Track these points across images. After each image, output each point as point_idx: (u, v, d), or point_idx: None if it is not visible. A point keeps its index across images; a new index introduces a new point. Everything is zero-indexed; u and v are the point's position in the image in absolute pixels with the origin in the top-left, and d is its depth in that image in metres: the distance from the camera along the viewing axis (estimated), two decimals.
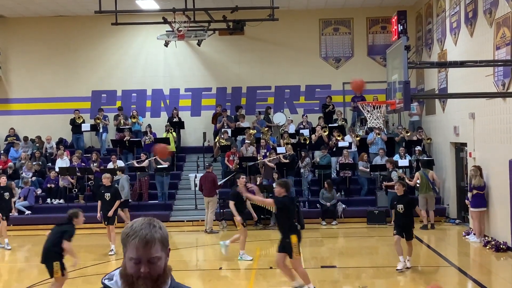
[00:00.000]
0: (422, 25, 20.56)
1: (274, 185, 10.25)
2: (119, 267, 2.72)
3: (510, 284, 11.01)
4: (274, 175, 17.83)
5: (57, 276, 9.21)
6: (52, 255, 9.21)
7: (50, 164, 20.61)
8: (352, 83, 11.15)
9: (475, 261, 13.08)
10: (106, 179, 14.02)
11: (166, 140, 20.25)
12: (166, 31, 19.84)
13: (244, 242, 13.00)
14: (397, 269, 11.30)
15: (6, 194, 14.79)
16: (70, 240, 9.19)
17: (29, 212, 18.42)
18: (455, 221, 17.15)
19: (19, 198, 18.63)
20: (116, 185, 15.99)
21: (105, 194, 13.88)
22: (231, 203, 13.12)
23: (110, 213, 13.74)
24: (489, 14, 13.89)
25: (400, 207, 11.29)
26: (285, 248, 9.47)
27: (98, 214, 14.12)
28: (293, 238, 9.43)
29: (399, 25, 10.00)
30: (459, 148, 17.19)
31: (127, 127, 21.17)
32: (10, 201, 15.18)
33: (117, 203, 13.89)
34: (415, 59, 19.80)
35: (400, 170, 18.02)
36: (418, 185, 16.98)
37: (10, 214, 15.52)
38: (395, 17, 10.21)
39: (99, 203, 14.13)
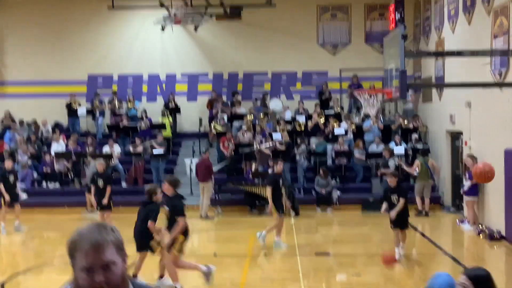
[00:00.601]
0: (421, 12, 20.47)
1: (163, 181, 9.87)
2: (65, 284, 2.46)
3: (502, 273, 11.08)
4: (270, 162, 17.82)
5: (160, 251, 9.34)
6: (145, 235, 9.34)
7: (45, 148, 20.56)
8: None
9: (469, 249, 13.17)
10: (100, 165, 13.94)
11: (162, 126, 20.26)
12: (163, 15, 19.73)
13: (280, 229, 12.72)
14: None
15: (12, 177, 14.80)
16: (155, 220, 9.28)
17: (26, 196, 18.38)
18: (449, 209, 17.22)
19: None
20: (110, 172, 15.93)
21: (98, 180, 13.73)
22: (269, 189, 12.52)
23: (105, 201, 13.61)
24: (487, 3, 13.84)
25: (394, 197, 11.16)
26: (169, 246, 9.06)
27: (90, 201, 13.95)
28: (180, 237, 9.09)
29: (396, 13, 9.97)
30: (455, 136, 17.21)
31: (123, 111, 21.13)
32: (16, 184, 15.11)
33: (109, 189, 13.70)
34: (413, 47, 19.82)
35: (396, 159, 18.03)
36: (416, 173, 17.01)
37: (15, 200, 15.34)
38: (393, 6, 10.17)
39: (92, 189, 13.99)
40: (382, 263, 9.98)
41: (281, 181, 12.63)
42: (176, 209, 9.10)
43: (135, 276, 9.43)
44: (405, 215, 11.34)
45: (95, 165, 17.09)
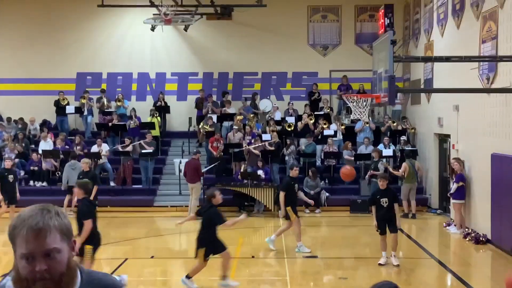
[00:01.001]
0: (410, 15, 20.56)
1: (75, 185, 9.78)
2: (9, 272, 2.24)
3: (488, 276, 11.18)
4: (259, 163, 17.85)
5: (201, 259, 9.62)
6: (216, 239, 9.77)
7: (33, 146, 20.44)
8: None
9: (455, 253, 13.24)
10: (85, 164, 13.84)
11: (151, 125, 20.20)
12: (153, 14, 19.66)
13: (299, 233, 12.51)
14: (379, 263, 11.17)
15: (11, 177, 14.73)
16: (223, 222, 9.72)
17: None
18: (436, 211, 17.34)
19: None
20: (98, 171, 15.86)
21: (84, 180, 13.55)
22: (282, 194, 12.30)
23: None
24: (476, 7, 13.92)
25: (384, 200, 11.00)
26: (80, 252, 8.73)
27: (74, 200, 13.68)
28: (87, 247, 8.80)
29: (386, 18, 10.00)
30: (443, 139, 17.31)
31: (112, 110, 21.07)
32: (15, 184, 15.00)
33: (95, 189, 13.60)
34: (402, 49, 19.89)
35: (385, 160, 18.12)
36: (403, 175, 17.10)
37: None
38: (382, 11, 10.20)
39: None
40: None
41: (296, 185, 12.51)
42: (81, 212, 8.91)
43: (224, 277, 9.73)
44: (393, 218, 11.12)
45: (70, 166, 17.06)
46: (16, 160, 19.20)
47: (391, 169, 17.40)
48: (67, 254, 2.19)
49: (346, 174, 15.59)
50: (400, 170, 17.06)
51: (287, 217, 12.34)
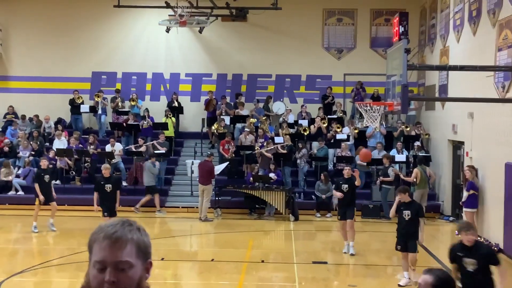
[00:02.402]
0: (426, 20, 20.44)
1: None
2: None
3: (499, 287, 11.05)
4: (271, 166, 17.85)
5: None
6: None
7: (47, 144, 20.60)
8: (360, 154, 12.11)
9: None
10: (106, 170, 13.51)
11: (164, 125, 20.27)
12: (169, 15, 19.74)
13: (345, 234, 12.90)
14: (399, 285, 10.53)
15: (47, 177, 14.85)
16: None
17: (22, 192, 18.41)
18: (449, 218, 17.23)
19: (19, 177, 18.75)
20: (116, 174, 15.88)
21: (106, 185, 13.33)
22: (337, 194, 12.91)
23: (118, 206, 13.46)
24: (493, 15, 13.81)
25: (407, 213, 10.19)
26: None
27: (95, 206, 13.46)
28: None
29: (400, 26, 9.95)
30: (457, 146, 17.19)
31: (125, 109, 21.17)
32: (50, 184, 15.09)
33: (118, 194, 13.51)
34: (418, 54, 19.79)
35: (397, 166, 18.04)
36: (415, 181, 17.02)
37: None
38: (397, 18, 10.15)
39: (95, 195, 13.48)
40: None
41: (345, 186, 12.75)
42: None
43: None
44: (414, 236, 10.21)
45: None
46: (31, 158, 19.40)
47: (402, 176, 17.32)
48: (140, 272, 2.08)
49: (363, 155, 15.26)
50: (411, 176, 16.98)
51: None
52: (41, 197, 14.49)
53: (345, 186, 12.35)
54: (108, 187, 13.28)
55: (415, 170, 16.98)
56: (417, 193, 16.73)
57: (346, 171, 13.05)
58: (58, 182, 18.91)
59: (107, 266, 2.03)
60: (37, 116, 21.50)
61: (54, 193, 15.07)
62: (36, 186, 14.64)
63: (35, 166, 19.48)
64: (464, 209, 14.45)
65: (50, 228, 14.80)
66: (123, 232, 2.07)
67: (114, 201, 13.35)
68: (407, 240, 10.21)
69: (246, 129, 19.69)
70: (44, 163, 15.06)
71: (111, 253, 2.03)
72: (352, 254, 12.49)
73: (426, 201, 16.77)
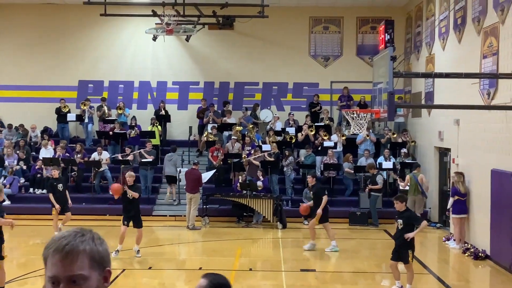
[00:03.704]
0: (412, 27, 20.60)
1: None
2: None
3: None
4: (258, 173, 17.83)
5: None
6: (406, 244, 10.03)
7: (34, 153, 20.46)
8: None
9: (454, 268, 13.20)
10: (130, 177, 12.96)
11: (151, 133, 20.21)
12: (156, 24, 19.71)
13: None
14: None
15: (60, 186, 14.87)
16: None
17: (8, 202, 18.24)
18: (436, 225, 17.30)
19: (5, 186, 18.57)
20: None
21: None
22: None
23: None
24: (477, 22, 13.94)
25: (400, 222, 10.15)
26: None
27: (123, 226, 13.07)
28: None
29: (386, 34, 10.01)
30: (443, 152, 17.29)
31: (112, 118, 21.09)
32: (65, 192, 15.05)
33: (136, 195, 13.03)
34: (404, 62, 19.90)
35: (384, 173, 18.12)
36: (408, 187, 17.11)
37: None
38: (383, 26, 10.21)
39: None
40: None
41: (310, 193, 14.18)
42: None
43: None
44: (406, 246, 10.07)
45: (167, 158, 18.72)
46: (18, 167, 19.26)
47: (399, 181, 17.38)
48: (95, 283, 2.01)
49: (302, 210, 15.03)
50: (404, 182, 17.08)
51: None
52: (57, 206, 14.66)
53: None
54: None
55: (407, 176, 17.08)
56: (408, 200, 16.79)
57: (310, 179, 14.33)
58: (44, 191, 18.78)
59: (60, 281, 1.97)
60: (22, 125, 21.35)
61: (70, 201, 15.14)
62: (50, 196, 14.78)
63: (21, 175, 19.37)
64: (452, 216, 14.51)
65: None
66: (74, 244, 2.00)
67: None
68: (399, 249, 10.13)
69: (233, 137, 19.69)
70: (55, 173, 15.14)
71: (63, 267, 1.97)
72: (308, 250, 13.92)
73: (420, 208, 16.77)
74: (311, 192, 14.29)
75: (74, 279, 1.97)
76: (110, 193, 12.41)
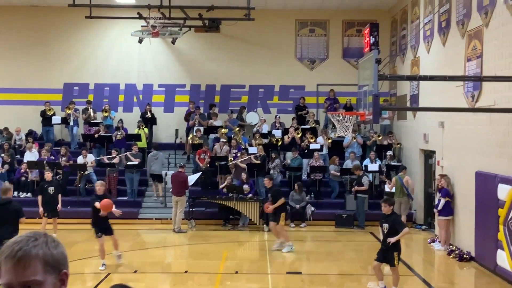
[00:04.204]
0: (397, 31, 20.71)
1: None
2: None
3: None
4: (243, 176, 17.80)
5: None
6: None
7: (18, 156, 20.29)
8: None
9: (439, 270, 13.26)
10: (100, 186, 12.64)
11: (137, 136, 20.14)
12: (141, 26, 19.63)
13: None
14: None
15: (51, 189, 14.79)
16: None
17: None
18: (421, 226, 17.38)
19: None
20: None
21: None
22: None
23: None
24: (462, 26, 14.04)
25: (385, 226, 10.09)
26: None
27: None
28: None
29: (371, 37, 10.04)
30: (428, 155, 17.39)
31: (98, 121, 20.99)
32: (56, 196, 14.92)
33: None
34: (389, 65, 20.03)
35: (370, 175, 18.18)
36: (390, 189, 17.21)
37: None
38: (368, 29, 10.25)
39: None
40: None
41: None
42: None
43: None
44: (392, 249, 10.01)
45: (153, 156, 18.84)
46: (2, 170, 19.07)
47: (387, 184, 17.44)
48: (51, 287, 1.99)
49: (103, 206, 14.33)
50: (390, 184, 17.16)
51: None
52: (40, 209, 14.65)
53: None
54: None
55: (393, 178, 17.17)
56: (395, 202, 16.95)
57: (266, 181, 14.88)
58: (29, 195, 18.65)
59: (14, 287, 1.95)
60: (6, 128, 21.16)
61: (59, 206, 14.99)
62: (39, 198, 14.80)
63: (6, 178, 19.17)
64: (439, 217, 14.56)
65: None
66: (27, 250, 1.96)
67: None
68: (386, 251, 10.10)
69: (222, 140, 19.67)
70: (48, 175, 15.11)
71: (16, 274, 1.94)
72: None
73: (406, 210, 16.88)
74: (269, 194, 14.64)
75: (29, 285, 1.95)
76: (98, 206, 11.99)
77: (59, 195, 15.14)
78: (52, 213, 14.89)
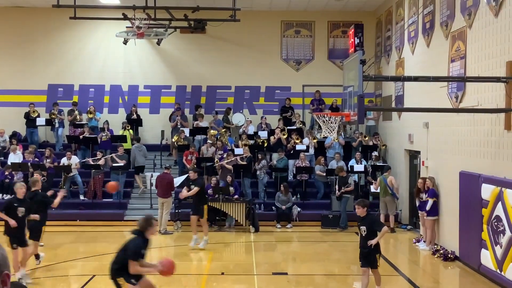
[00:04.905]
0: (382, 32, 20.81)
1: None
2: None
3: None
4: (228, 177, 17.78)
5: None
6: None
7: (2, 158, 20.12)
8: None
9: (424, 270, 13.33)
10: (21, 189, 11.01)
11: (122, 138, 20.06)
12: (126, 27, 19.56)
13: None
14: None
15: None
16: None
17: None
18: (406, 226, 17.48)
19: None
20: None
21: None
22: None
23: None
24: (446, 27, 14.15)
25: (363, 229, 9.84)
26: None
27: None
28: None
29: (356, 38, 10.10)
30: (413, 155, 17.49)
31: (83, 122, 20.89)
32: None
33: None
34: (374, 65, 20.13)
35: (356, 176, 18.27)
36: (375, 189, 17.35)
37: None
38: (352, 30, 10.31)
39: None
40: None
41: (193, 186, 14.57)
42: None
43: None
44: (373, 251, 9.85)
45: (137, 148, 19.38)
46: None
47: (374, 185, 17.53)
48: None
49: (110, 187, 14.98)
50: (375, 185, 17.28)
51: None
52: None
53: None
54: (21, 210, 10.89)
55: (378, 178, 17.27)
56: (380, 202, 17.06)
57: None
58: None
59: None
60: None
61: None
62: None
63: None
64: (426, 218, 14.62)
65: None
66: None
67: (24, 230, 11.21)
68: (367, 255, 9.87)
69: (208, 141, 19.65)
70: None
71: None
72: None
73: (393, 209, 17.02)
74: (193, 185, 14.72)
75: None
76: (107, 190, 13.30)
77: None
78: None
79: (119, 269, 8.15)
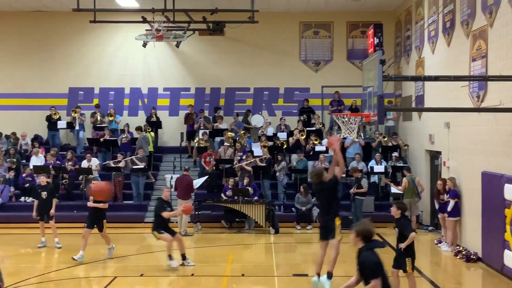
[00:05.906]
0: (402, 31, 20.67)
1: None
2: None
3: None
4: (245, 179, 17.76)
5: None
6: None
7: (24, 161, 20.35)
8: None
9: (446, 271, 13.19)
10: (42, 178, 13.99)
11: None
12: (146, 29, 19.66)
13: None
14: None
15: (44, 194, 14.79)
16: None
17: None
18: (428, 227, 17.32)
19: None
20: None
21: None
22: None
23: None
24: (466, 26, 14.00)
25: (396, 230, 9.91)
26: None
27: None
28: None
29: (375, 38, 10.04)
30: (434, 156, 17.33)
31: (104, 125, 21.06)
32: (50, 201, 14.88)
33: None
34: (394, 66, 20.00)
35: (376, 177, 18.14)
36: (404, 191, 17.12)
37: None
38: (372, 30, 10.25)
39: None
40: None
41: None
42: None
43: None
44: (403, 254, 9.81)
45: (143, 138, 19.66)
46: (9, 175, 19.10)
47: (393, 185, 17.38)
48: None
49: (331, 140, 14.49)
50: (402, 186, 17.03)
51: None
52: (34, 213, 14.78)
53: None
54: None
55: (404, 179, 17.02)
56: (405, 202, 16.86)
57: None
58: (31, 199, 18.64)
59: None
60: (14, 133, 21.26)
61: (52, 211, 14.86)
62: (35, 203, 14.97)
63: (13, 183, 19.25)
64: (448, 219, 14.46)
65: (56, 245, 14.80)
66: None
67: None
68: (399, 257, 9.86)
69: (225, 143, 19.68)
70: (42, 180, 15.11)
71: None
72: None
73: (416, 210, 16.84)
74: None
75: None
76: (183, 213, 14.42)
77: (54, 200, 15.08)
78: (46, 218, 14.81)
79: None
